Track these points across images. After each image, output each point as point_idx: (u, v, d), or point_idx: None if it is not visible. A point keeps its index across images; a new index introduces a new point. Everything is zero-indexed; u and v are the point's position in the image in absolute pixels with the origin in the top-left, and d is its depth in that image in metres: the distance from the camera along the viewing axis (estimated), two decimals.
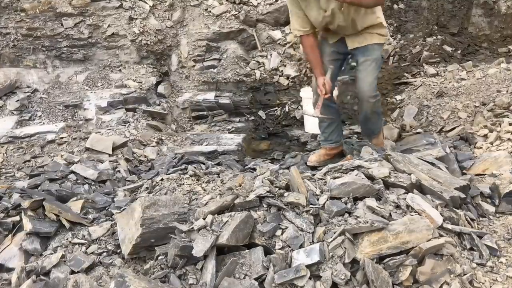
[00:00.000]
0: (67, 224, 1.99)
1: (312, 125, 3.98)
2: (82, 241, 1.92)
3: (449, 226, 1.80)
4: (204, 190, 2.10)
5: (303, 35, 2.60)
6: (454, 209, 1.93)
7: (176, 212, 1.84)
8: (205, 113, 4.38)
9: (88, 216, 2.14)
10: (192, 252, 1.62)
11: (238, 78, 4.52)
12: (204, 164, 2.91)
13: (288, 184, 1.99)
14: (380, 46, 2.63)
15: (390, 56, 4.66)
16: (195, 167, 2.56)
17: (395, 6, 5.18)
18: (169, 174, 2.51)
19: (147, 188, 2.40)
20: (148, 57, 4.54)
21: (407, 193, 1.90)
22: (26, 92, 4.13)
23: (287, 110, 4.46)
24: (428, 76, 4.14)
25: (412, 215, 1.75)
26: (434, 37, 4.81)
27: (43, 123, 3.87)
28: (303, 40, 2.63)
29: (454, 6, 5.24)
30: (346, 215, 1.77)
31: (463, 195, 1.99)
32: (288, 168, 2.46)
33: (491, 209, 2.03)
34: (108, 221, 2.06)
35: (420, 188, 1.98)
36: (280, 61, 4.64)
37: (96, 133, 3.52)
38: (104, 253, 1.86)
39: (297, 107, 4.43)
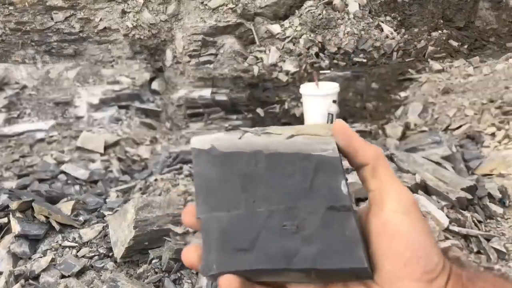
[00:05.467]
0: (57, 226, 1.95)
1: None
2: (73, 244, 1.87)
3: (456, 228, 1.76)
4: None
5: None
6: (461, 210, 1.90)
7: (170, 214, 1.79)
8: (201, 110, 4.31)
9: (79, 217, 2.09)
10: None
11: (236, 74, 4.44)
12: None
13: None
14: None
15: (394, 51, 4.60)
16: (190, 167, 2.51)
17: None
18: (163, 174, 2.51)
19: (140, 188, 2.38)
20: (141, 52, 4.45)
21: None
22: (15, 88, 4.05)
23: (286, 107, 4.40)
24: (433, 72, 4.08)
25: None
26: (440, 31, 4.74)
27: (32, 121, 3.81)
28: None
29: None
30: None
31: (470, 196, 1.96)
32: None
33: (499, 210, 2.00)
34: (99, 223, 2.02)
35: (425, 188, 1.95)
36: (279, 57, 4.57)
37: (87, 131, 3.47)
38: (96, 257, 1.81)
39: (297, 104, 4.37)
